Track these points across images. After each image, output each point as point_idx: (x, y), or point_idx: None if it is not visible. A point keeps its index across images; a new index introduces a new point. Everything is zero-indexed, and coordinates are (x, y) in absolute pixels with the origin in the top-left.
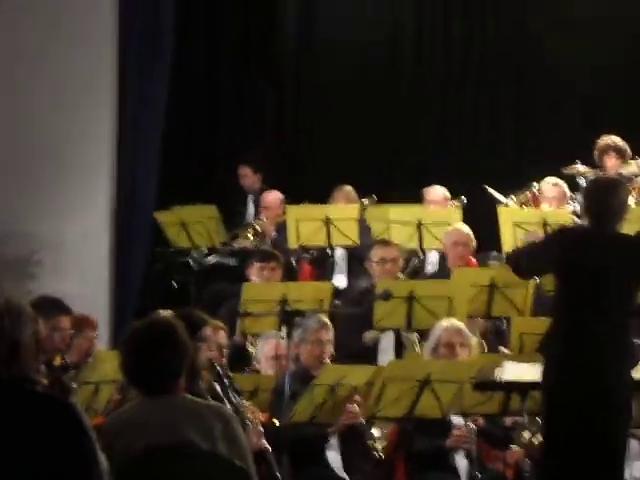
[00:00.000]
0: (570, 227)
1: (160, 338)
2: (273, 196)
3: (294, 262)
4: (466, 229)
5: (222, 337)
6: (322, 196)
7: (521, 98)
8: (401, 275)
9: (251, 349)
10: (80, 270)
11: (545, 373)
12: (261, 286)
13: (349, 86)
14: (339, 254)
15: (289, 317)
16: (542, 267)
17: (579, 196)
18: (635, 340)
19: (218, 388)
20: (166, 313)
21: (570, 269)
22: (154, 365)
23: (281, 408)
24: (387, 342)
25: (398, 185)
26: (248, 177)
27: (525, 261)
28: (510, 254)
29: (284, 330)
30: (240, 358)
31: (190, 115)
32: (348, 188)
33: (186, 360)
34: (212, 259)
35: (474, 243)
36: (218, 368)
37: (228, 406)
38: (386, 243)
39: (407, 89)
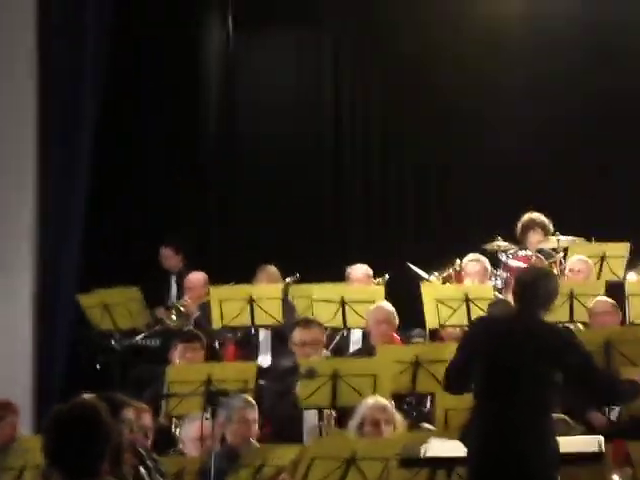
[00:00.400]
0: (489, 318)
1: (82, 420)
2: (197, 276)
3: (218, 343)
4: (389, 307)
5: (146, 419)
6: (247, 276)
7: (445, 175)
8: (326, 353)
9: (176, 431)
10: (3, 355)
11: (468, 461)
12: (185, 367)
13: (272, 167)
14: (263, 335)
15: (214, 398)
16: (467, 376)
17: (500, 271)
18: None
19: (142, 471)
20: (88, 396)
21: (489, 361)
22: (76, 447)
23: None
24: (312, 420)
25: (322, 264)
26: (170, 258)
27: (451, 380)
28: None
29: (209, 411)
30: (166, 440)
31: (112, 196)
32: (271, 268)
33: (109, 443)
34: (135, 341)
35: (397, 320)
36: (141, 450)
37: None
38: (306, 325)
39: (329, 166)
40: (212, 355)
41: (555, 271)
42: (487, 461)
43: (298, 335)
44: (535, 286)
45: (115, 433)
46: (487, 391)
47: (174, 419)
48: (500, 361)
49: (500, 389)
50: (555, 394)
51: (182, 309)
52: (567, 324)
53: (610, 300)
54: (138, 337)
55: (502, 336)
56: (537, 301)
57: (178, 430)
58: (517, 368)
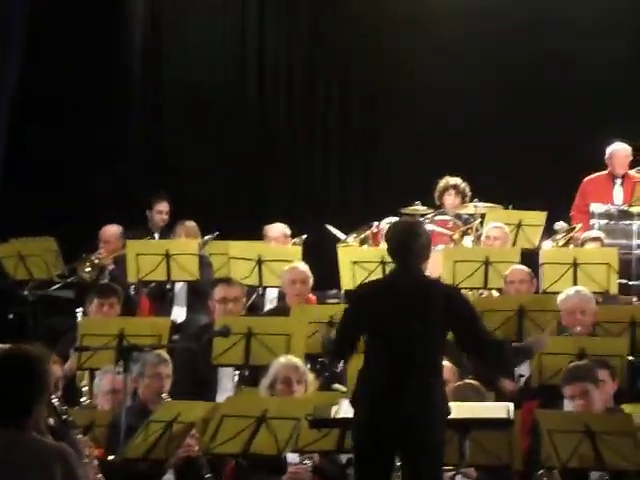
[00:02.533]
0: (373, 281)
1: (14, 367)
2: (112, 229)
3: (133, 296)
4: (303, 267)
5: (57, 371)
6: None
7: (366, 138)
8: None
9: (83, 384)
10: None
11: (354, 424)
12: (99, 321)
13: (197, 119)
14: (179, 286)
15: (126, 352)
16: (352, 342)
17: None
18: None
19: (54, 423)
20: (3, 347)
21: (378, 324)
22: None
23: (117, 443)
24: (226, 379)
25: (240, 222)
26: (165, 213)
27: (337, 345)
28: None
29: (121, 365)
30: (75, 392)
31: (31, 146)
32: (190, 223)
33: (41, 394)
34: (49, 292)
35: (311, 280)
36: (55, 403)
37: (65, 442)
38: (228, 282)
39: (253, 124)
40: (127, 309)
41: (471, 237)
42: (373, 424)
43: (221, 291)
44: (409, 240)
45: (49, 386)
46: (376, 354)
47: (79, 371)
48: (388, 323)
49: (389, 351)
50: (443, 353)
51: (96, 262)
52: (481, 290)
53: (526, 268)
54: (52, 288)
55: (389, 297)
56: (415, 255)
57: (86, 383)
58: (406, 328)
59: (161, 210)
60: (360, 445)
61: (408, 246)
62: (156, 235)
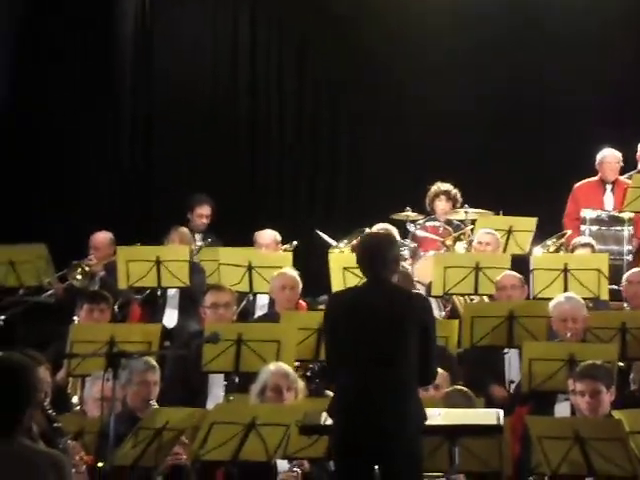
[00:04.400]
0: (343, 291)
1: (2, 376)
2: (103, 236)
3: (124, 303)
4: (292, 273)
5: (47, 377)
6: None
7: (355, 144)
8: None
9: (71, 391)
10: None
11: (332, 436)
12: (89, 327)
13: (189, 134)
14: (173, 290)
15: (116, 359)
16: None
17: (408, 242)
18: None
19: (45, 430)
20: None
21: (351, 334)
22: None
23: (106, 450)
24: (216, 386)
25: (232, 227)
26: (205, 217)
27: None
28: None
29: (110, 372)
30: (64, 399)
31: (21, 152)
32: (183, 229)
33: (30, 402)
34: (39, 298)
35: (300, 286)
36: (49, 411)
37: (56, 448)
38: (219, 288)
39: (244, 131)
40: (118, 316)
41: (464, 243)
42: (349, 436)
43: (211, 297)
44: (383, 252)
45: (39, 393)
46: (349, 364)
47: (70, 378)
48: (362, 332)
49: (362, 361)
50: (416, 363)
51: (87, 268)
52: (472, 296)
53: (517, 274)
54: (43, 295)
55: (361, 307)
56: (388, 267)
57: (75, 389)
58: (380, 337)
59: (202, 213)
60: (338, 455)
61: (383, 258)
62: (197, 237)
